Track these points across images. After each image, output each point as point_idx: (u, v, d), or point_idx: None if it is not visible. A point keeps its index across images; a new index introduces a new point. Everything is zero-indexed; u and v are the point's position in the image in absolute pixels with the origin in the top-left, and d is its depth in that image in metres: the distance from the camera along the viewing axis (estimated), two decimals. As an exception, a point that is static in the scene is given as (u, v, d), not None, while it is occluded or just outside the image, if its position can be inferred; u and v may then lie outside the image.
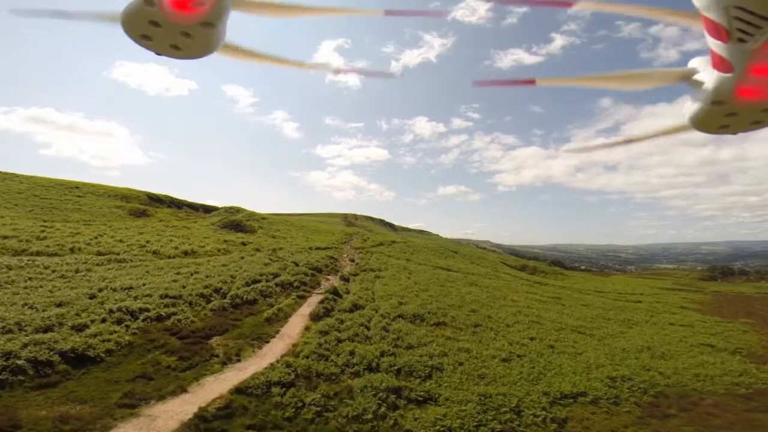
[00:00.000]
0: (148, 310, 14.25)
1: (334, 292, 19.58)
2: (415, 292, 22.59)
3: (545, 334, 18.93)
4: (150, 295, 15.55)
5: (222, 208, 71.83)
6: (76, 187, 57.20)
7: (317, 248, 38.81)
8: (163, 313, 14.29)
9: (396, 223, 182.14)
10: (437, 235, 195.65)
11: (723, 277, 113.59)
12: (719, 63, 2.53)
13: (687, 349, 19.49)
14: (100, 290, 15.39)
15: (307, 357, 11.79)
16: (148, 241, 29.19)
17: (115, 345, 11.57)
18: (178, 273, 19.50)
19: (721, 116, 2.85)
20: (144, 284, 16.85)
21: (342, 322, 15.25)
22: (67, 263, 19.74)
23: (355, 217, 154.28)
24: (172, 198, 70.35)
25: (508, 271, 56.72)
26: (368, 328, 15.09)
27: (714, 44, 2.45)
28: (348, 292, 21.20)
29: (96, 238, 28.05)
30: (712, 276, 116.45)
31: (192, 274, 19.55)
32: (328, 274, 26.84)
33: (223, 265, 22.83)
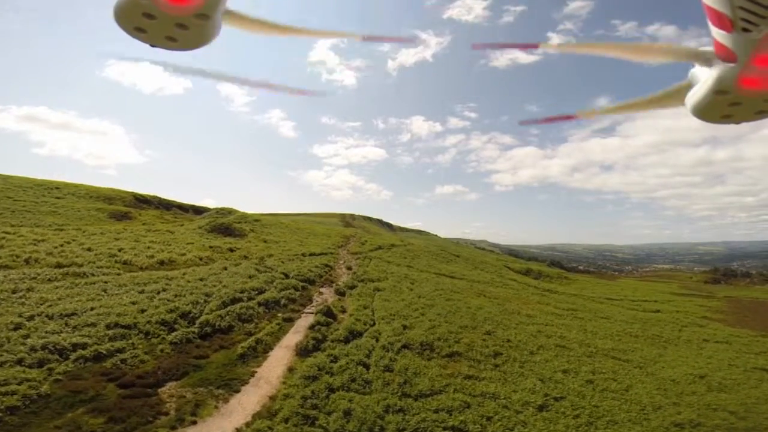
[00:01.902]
0: (85, 345, 11.21)
1: (327, 312, 16.57)
2: (420, 310, 19.60)
3: (577, 362, 16.04)
4: (94, 325, 12.48)
5: (213, 209, 68.66)
6: (56, 188, 53.83)
7: (311, 254, 35.76)
8: (104, 350, 11.24)
9: (394, 223, 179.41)
10: (435, 235, 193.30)
11: (726, 280, 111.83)
12: (723, 52, 2.45)
13: (743, 375, 16.72)
14: (32, 318, 12.30)
15: (287, 420, 8.77)
16: (121, 249, 26.01)
17: (21, 399, 8.53)
18: (142, 291, 16.40)
19: (725, 106, 2.75)
20: (93, 308, 13.75)
21: (335, 359, 12.22)
22: (10, 279, 16.58)
23: (353, 217, 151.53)
24: (160, 199, 67.03)
25: (513, 276, 53.86)
26: (367, 367, 12.09)
27: (717, 34, 2.35)
28: (344, 311, 18.19)
29: (61, 246, 24.84)
30: (716, 278, 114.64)
31: (159, 293, 16.46)
32: (322, 286, 23.81)
33: (200, 279, 19.72)
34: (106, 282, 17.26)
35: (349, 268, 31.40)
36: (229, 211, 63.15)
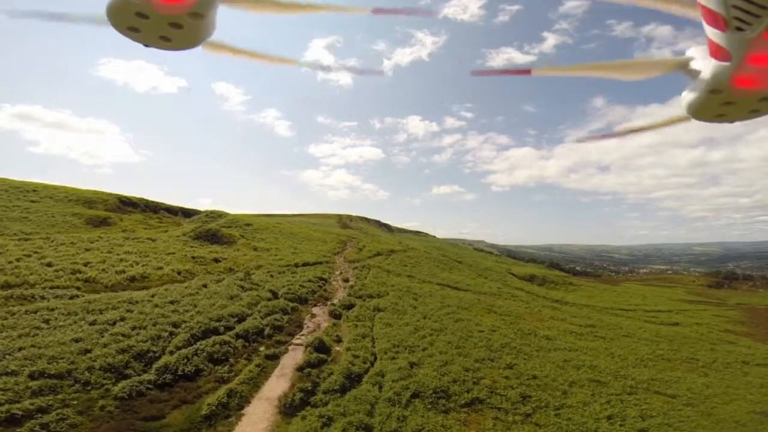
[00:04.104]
0: (-8, 411, 8.35)
1: (319, 346, 13.78)
2: (428, 338, 16.88)
3: (620, 404, 13.40)
4: (15, 373, 9.62)
5: (203, 212, 65.54)
6: (34, 190, 50.68)
7: (305, 264, 32.95)
8: (20, 410, 8.41)
9: (391, 223, 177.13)
10: (433, 236, 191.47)
11: (728, 283, 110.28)
12: (716, 52, 2.45)
13: (811, 417, 14.17)
14: (-70, 371, 9.41)
15: None
16: (88, 263, 23.04)
17: None
18: (94, 322, 13.52)
19: (718, 105, 2.75)
20: (21, 348, 10.88)
21: (329, 421, 9.43)
22: (-65, 307, 13.66)
23: (350, 218, 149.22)
24: (147, 201, 63.86)
25: (519, 284, 51.35)
26: (370, 431, 9.32)
27: (711, 33, 2.36)
28: (339, 341, 15.41)
29: (18, 260, 21.82)
30: (718, 282, 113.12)
31: (114, 323, 13.59)
32: (315, 305, 21.02)
33: (171, 302, 16.87)
34: (52, 309, 14.33)
35: (346, 281, 28.61)
36: (219, 215, 60.16)
